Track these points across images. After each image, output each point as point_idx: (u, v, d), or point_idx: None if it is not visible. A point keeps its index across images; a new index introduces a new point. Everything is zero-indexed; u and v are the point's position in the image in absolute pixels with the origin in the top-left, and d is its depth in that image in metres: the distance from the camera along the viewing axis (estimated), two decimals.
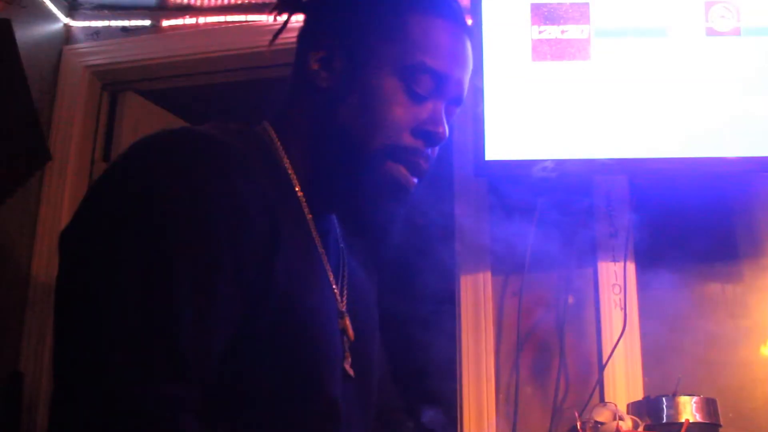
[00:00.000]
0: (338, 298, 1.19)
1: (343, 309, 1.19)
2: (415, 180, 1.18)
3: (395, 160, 1.15)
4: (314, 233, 1.16)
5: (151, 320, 0.92)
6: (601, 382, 2.11)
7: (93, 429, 0.90)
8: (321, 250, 1.17)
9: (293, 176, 1.16)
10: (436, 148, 1.21)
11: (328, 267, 1.18)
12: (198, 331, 0.94)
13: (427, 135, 1.16)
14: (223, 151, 1.03)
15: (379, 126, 1.14)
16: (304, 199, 1.16)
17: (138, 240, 0.95)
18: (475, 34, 2.11)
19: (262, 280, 1.01)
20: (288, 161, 1.17)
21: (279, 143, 1.18)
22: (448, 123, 1.20)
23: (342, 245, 1.28)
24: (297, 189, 1.16)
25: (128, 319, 0.92)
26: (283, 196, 1.12)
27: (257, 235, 1.01)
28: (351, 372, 1.17)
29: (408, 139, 1.15)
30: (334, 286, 1.18)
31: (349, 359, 1.17)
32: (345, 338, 1.17)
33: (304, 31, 1.22)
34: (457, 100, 1.21)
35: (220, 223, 0.98)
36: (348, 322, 1.18)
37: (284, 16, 1.25)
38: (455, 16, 1.20)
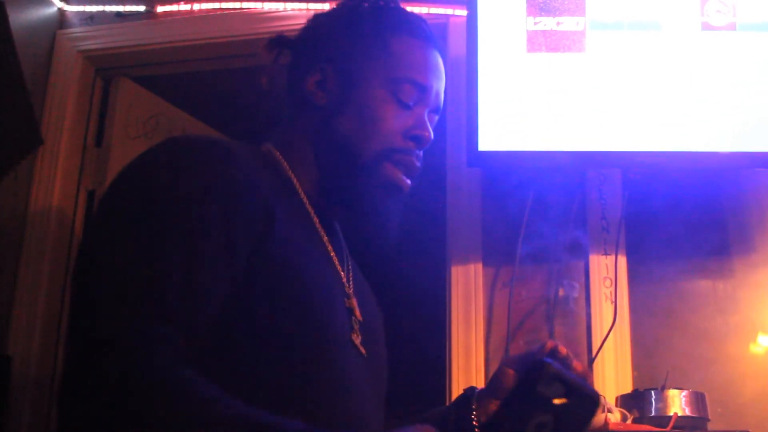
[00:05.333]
0: (345, 282, 1.31)
1: (350, 291, 1.30)
2: (409, 181, 1.34)
3: (392, 161, 1.31)
4: (319, 227, 1.30)
5: (143, 274, 1.05)
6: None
7: (79, 360, 1.01)
8: (326, 239, 1.31)
9: (298, 186, 1.31)
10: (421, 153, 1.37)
11: (333, 255, 1.31)
12: (185, 285, 1.05)
13: (417, 138, 1.33)
14: (224, 149, 1.18)
15: (375, 131, 1.31)
16: (309, 204, 1.31)
17: (141, 214, 1.10)
18: (471, 24, 2.11)
19: (258, 250, 1.13)
20: (292, 173, 1.32)
21: (282, 158, 1.33)
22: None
23: (346, 250, 1.41)
24: (303, 197, 1.30)
25: (124, 273, 1.05)
26: (284, 194, 1.26)
27: (250, 213, 1.14)
28: (362, 350, 1.27)
29: (401, 142, 1.32)
30: (339, 269, 1.31)
31: (360, 337, 1.27)
32: (353, 318, 1.27)
33: (294, 62, 1.40)
34: (437, 110, 1.39)
35: (213, 202, 1.11)
36: (355, 302, 1.29)
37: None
38: (427, 36, 1.38)
